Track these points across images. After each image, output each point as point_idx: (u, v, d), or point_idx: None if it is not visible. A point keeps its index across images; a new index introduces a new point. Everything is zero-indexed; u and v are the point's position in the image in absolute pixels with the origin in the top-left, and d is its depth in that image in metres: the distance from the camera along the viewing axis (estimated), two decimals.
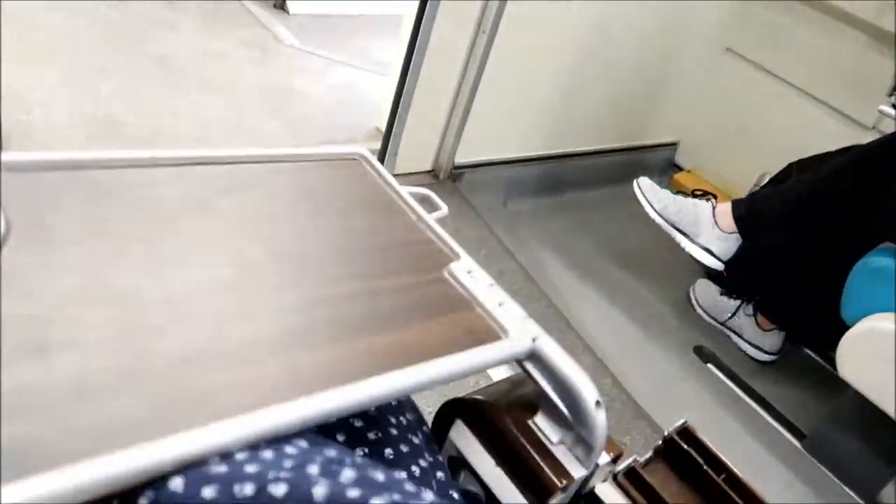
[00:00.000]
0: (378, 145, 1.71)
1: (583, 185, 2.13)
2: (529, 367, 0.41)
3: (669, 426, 0.47)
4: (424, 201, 0.52)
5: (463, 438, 0.43)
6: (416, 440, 0.43)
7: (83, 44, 2.09)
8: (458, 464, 0.43)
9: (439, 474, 0.42)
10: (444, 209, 0.51)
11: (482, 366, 0.39)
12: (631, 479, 0.44)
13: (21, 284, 0.33)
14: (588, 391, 0.38)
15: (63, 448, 0.26)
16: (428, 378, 0.36)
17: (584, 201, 2.10)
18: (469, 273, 0.44)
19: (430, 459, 0.42)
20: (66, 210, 0.38)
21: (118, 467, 0.26)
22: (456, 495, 0.41)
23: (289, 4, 2.77)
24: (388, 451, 0.40)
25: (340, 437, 0.39)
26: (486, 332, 0.41)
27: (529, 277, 1.56)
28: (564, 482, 0.38)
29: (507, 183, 1.95)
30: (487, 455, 0.41)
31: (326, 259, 0.43)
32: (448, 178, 1.81)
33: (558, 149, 2.06)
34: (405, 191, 0.50)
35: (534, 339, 0.40)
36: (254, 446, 0.30)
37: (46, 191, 0.39)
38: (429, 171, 1.81)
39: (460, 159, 1.81)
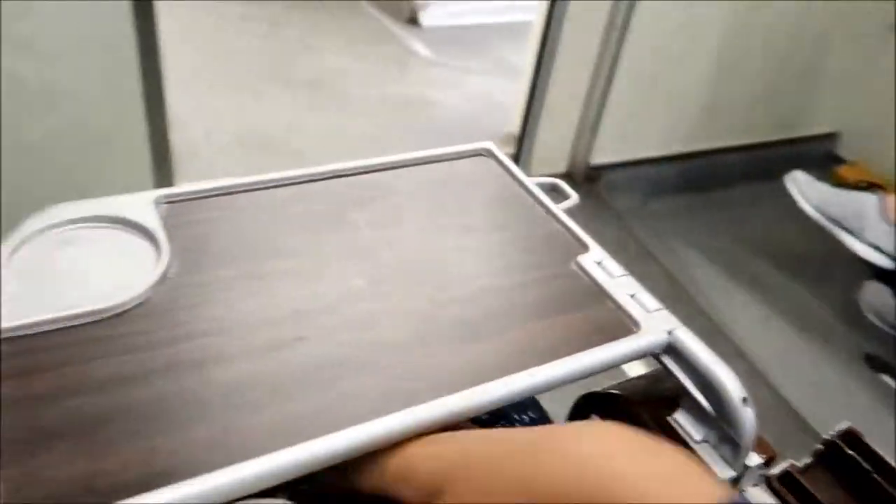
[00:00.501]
0: (512, 150, 1.71)
1: (730, 183, 2.00)
2: (667, 361, 0.39)
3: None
4: (554, 191, 0.51)
5: None
6: None
7: (242, 69, 2.27)
8: None
9: None
10: (573, 197, 0.50)
11: (613, 362, 0.37)
12: (787, 485, 0.40)
13: (185, 302, 0.37)
14: (733, 385, 0.35)
15: (240, 446, 0.30)
16: (555, 378, 0.35)
17: (732, 200, 1.97)
18: (599, 264, 0.43)
19: None
20: (218, 233, 0.42)
21: (278, 463, 0.29)
22: None
23: (421, 18, 2.85)
24: None
25: None
26: (617, 327, 0.39)
27: (674, 280, 1.50)
28: None
29: (647, 182, 1.88)
30: None
31: (453, 259, 0.43)
32: (584, 179, 1.78)
33: (702, 145, 1.96)
34: (532, 182, 0.50)
35: (670, 332, 0.38)
36: None
37: (199, 217, 0.43)
38: (564, 174, 1.79)
39: (596, 160, 1.77)
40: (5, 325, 0.33)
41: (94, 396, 0.31)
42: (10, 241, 0.39)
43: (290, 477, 0.29)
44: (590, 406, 0.42)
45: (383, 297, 0.39)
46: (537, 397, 0.45)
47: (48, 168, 1.27)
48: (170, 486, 0.27)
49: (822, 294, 1.64)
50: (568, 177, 1.78)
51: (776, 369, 1.38)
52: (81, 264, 0.39)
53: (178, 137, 1.47)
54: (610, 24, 1.59)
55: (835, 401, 1.38)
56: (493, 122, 2.13)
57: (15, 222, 0.41)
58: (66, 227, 0.41)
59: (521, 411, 0.43)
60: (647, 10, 1.57)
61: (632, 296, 0.41)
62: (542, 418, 0.44)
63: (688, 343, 0.38)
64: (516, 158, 1.68)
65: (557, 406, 0.46)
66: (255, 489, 0.28)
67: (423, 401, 0.33)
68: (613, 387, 0.42)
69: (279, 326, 0.36)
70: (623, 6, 1.55)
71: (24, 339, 0.34)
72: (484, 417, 0.40)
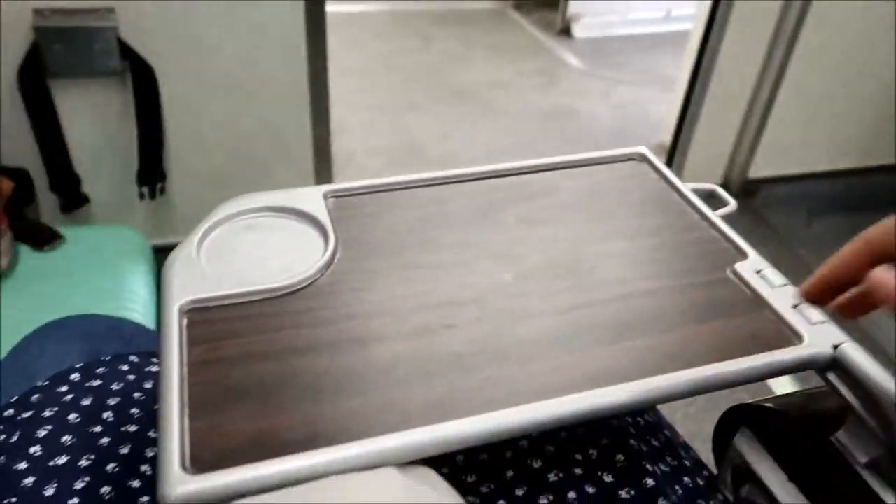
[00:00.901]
0: (663, 161, 1.66)
1: None
2: (831, 377, 0.36)
3: None
4: (711, 197, 0.49)
5: (749, 447, 0.39)
6: (655, 442, 0.41)
7: (396, 81, 2.38)
8: (744, 474, 0.40)
9: (686, 479, 0.39)
10: (732, 204, 0.48)
11: (769, 372, 0.36)
12: None
13: (348, 286, 0.40)
14: None
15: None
16: (702, 382, 0.34)
17: None
18: (758, 273, 0.41)
19: (674, 463, 0.40)
20: (378, 226, 0.45)
21: (418, 439, 0.31)
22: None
23: (574, 30, 2.83)
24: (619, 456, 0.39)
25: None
26: (775, 337, 0.37)
27: None
28: None
29: (812, 199, 1.75)
30: (778, 468, 0.38)
31: (604, 261, 0.43)
32: (741, 192, 1.68)
33: (878, 159, 1.79)
34: (688, 188, 0.49)
35: (836, 346, 0.36)
36: None
37: (362, 211, 0.47)
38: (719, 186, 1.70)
39: (755, 173, 1.67)
40: (199, 296, 0.38)
41: (270, 363, 0.35)
42: (203, 225, 0.44)
43: (429, 454, 0.31)
44: (739, 418, 0.40)
45: (530, 293, 0.40)
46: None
47: (231, 164, 1.41)
48: (330, 447, 0.30)
49: None
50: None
51: None
52: (262, 248, 0.43)
53: (337, 146, 1.57)
54: (778, 30, 1.50)
55: None
56: (643, 132, 2.08)
57: (198, 209, 0.46)
58: (250, 216, 0.46)
59: (638, 414, 0.43)
60: (819, 16, 1.46)
61: (794, 307, 0.39)
62: (659, 422, 0.43)
63: (857, 359, 0.35)
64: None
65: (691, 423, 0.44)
66: (396, 461, 0.30)
67: (564, 394, 0.33)
68: (767, 400, 0.40)
69: (431, 313, 0.38)
70: (795, 8, 1.46)
71: (213, 309, 0.38)
72: None
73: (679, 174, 1.65)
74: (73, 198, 1.33)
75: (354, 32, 2.65)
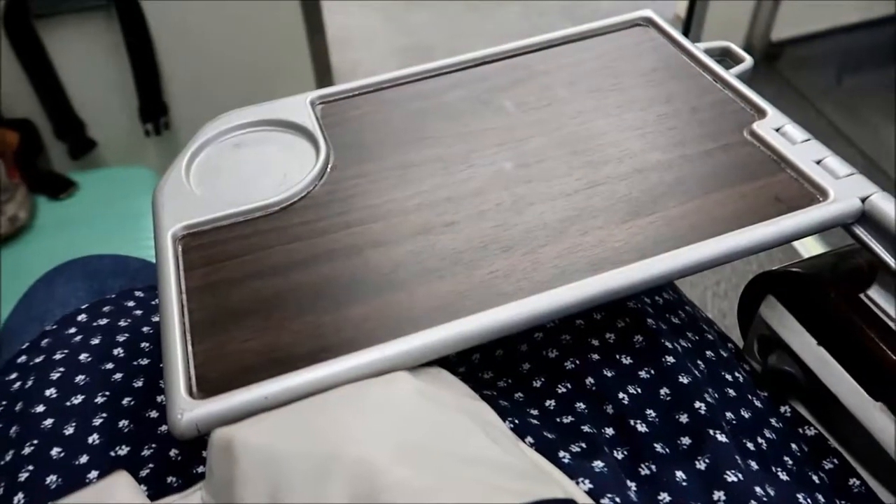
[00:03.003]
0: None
1: None
2: (859, 232, 0.34)
3: None
4: (726, 56, 0.46)
5: (775, 314, 0.38)
6: (675, 320, 0.40)
7: None
8: (771, 343, 0.39)
9: (708, 353, 0.38)
10: (747, 61, 0.45)
11: (794, 234, 0.33)
12: None
13: (343, 194, 0.38)
14: None
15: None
16: (722, 253, 0.32)
17: None
18: (777, 130, 0.38)
19: (695, 338, 0.39)
20: (370, 128, 0.43)
21: (427, 340, 0.30)
22: (736, 375, 0.38)
23: None
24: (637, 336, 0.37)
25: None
26: (799, 197, 0.35)
27: (875, 165, 1.32)
28: None
29: (842, 55, 1.65)
30: (806, 333, 0.36)
31: (612, 137, 0.40)
32: (764, 57, 1.59)
33: None
34: (699, 48, 0.45)
35: (864, 199, 0.34)
36: None
37: (352, 114, 0.44)
38: None
39: (779, 34, 1.58)
40: (191, 221, 0.37)
41: (269, 280, 0.34)
42: (190, 147, 0.42)
43: (438, 355, 0.30)
44: (764, 286, 0.39)
45: (534, 179, 0.38)
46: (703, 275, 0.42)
47: (232, 88, 1.38)
48: (337, 358, 0.29)
49: None
50: None
51: None
52: (251, 164, 0.41)
53: (340, 57, 1.52)
54: None
55: None
56: (658, 6, 1.96)
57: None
58: (237, 132, 0.44)
59: (656, 293, 0.41)
60: None
61: (818, 162, 0.36)
62: (679, 300, 0.42)
63: (887, 209, 0.33)
64: None
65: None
66: (407, 365, 0.30)
67: (577, 279, 0.32)
68: (793, 265, 0.38)
69: (430, 211, 0.36)
70: None
71: (207, 232, 0.37)
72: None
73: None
74: (80, 143, 1.32)
75: None
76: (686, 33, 1.53)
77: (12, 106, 1.26)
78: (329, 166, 0.40)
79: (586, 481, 0.29)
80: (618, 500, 0.29)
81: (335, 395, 0.28)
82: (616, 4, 2.07)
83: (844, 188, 0.34)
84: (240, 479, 0.25)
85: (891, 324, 0.33)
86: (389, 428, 0.25)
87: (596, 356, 0.36)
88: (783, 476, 0.33)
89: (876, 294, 0.34)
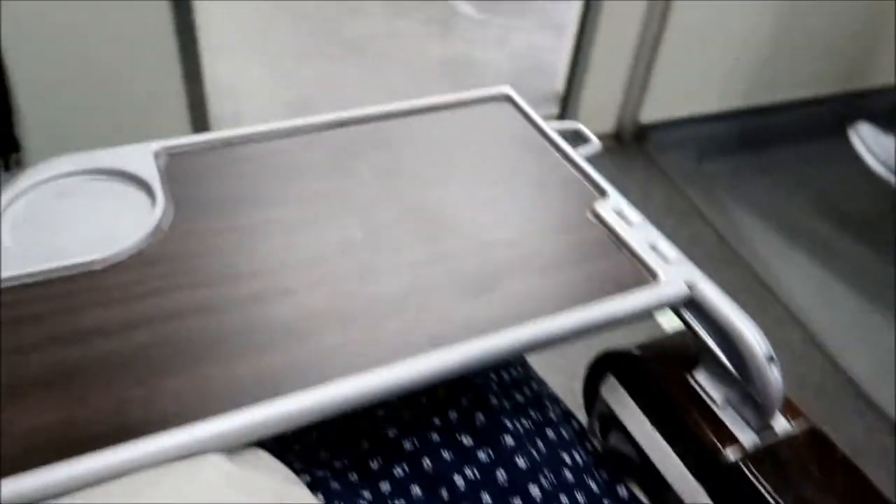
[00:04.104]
0: (557, 110, 1.66)
1: (792, 140, 1.90)
2: (687, 316, 0.36)
3: None
4: (578, 137, 0.48)
5: (614, 395, 0.38)
6: (519, 398, 0.40)
7: (283, 32, 2.26)
8: (610, 422, 0.39)
9: (550, 434, 0.38)
10: (594, 142, 0.47)
11: (625, 316, 0.34)
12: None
13: (175, 253, 0.36)
14: (757, 342, 0.32)
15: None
16: (555, 333, 0.33)
17: (793, 158, 1.86)
18: (616, 212, 0.40)
19: (538, 418, 0.39)
20: (216, 184, 0.41)
21: (244, 421, 0.28)
22: (576, 456, 0.37)
23: None
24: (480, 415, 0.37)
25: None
26: (633, 277, 0.36)
27: (725, 243, 1.43)
28: (728, 446, 0.33)
29: (702, 141, 1.80)
30: (641, 413, 0.37)
31: (462, 210, 0.41)
32: (633, 138, 1.71)
33: (762, 99, 1.85)
34: (552, 127, 0.47)
35: (690, 284, 0.35)
36: None
37: (200, 168, 0.42)
38: (612, 134, 1.72)
39: (646, 118, 1.70)
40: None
41: (74, 346, 0.30)
42: (7, 195, 0.38)
43: (259, 436, 0.28)
44: (605, 365, 0.39)
45: (380, 248, 0.37)
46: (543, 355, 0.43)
47: (100, 130, 1.30)
48: (142, 438, 0.26)
49: (890, 258, 1.54)
50: (616, 137, 1.71)
51: (835, 338, 1.30)
52: (78, 216, 0.38)
53: (220, 106, 1.48)
54: None
55: None
56: (538, 81, 2.06)
57: None
58: (64, 179, 0.40)
59: (503, 368, 0.41)
60: None
61: (651, 246, 0.38)
62: (526, 377, 0.42)
63: (710, 296, 0.34)
64: (561, 118, 1.63)
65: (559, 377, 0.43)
66: (221, 447, 0.27)
67: (415, 355, 0.31)
68: (633, 345, 0.39)
69: (265, 279, 0.34)
70: None
71: (17, 289, 0.33)
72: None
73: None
74: None
75: None
76: (564, 110, 1.62)
77: None
78: (165, 223, 0.37)
79: None
80: None
81: (137, 480, 0.25)
82: (497, 70, 2.16)
83: (673, 272, 0.36)
84: None
85: (711, 405, 0.34)
86: None
87: (436, 436, 0.35)
88: None
89: (701, 377, 0.35)
